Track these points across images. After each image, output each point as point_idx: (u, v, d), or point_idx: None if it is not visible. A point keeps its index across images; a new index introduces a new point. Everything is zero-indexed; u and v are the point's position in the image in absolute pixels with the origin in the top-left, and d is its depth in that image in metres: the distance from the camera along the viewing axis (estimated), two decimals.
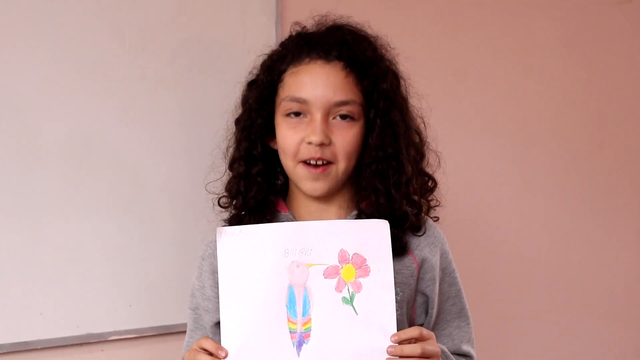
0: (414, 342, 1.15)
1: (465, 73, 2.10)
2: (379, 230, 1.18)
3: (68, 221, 1.56)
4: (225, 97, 1.73)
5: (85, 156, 1.58)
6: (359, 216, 1.27)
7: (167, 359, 1.65)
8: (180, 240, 1.69)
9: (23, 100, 1.51)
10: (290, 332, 1.17)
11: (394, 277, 1.19)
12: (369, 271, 1.17)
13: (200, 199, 1.70)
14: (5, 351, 1.49)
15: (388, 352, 1.14)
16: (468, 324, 1.36)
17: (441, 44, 2.07)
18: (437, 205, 1.36)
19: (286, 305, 1.17)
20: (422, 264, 1.30)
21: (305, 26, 1.35)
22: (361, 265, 1.18)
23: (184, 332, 1.43)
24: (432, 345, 1.16)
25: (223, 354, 1.17)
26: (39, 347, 1.53)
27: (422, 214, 1.32)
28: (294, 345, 1.17)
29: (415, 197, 1.30)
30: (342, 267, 1.18)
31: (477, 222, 2.07)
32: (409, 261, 1.29)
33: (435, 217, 1.37)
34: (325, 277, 1.18)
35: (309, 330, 1.17)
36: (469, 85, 2.11)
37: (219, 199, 1.36)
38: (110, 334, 1.61)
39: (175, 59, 1.69)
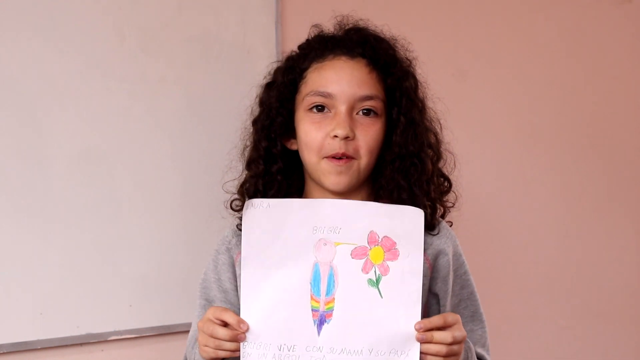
0: (442, 330, 1.14)
1: (465, 74, 2.10)
2: (412, 217, 1.16)
3: (68, 221, 1.56)
4: (225, 97, 1.74)
5: (85, 156, 1.58)
6: None
7: (167, 359, 1.65)
8: (181, 240, 1.69)
9: (23, 100, 1.51)
10: (312, 310, 1.15)
11: None
12: (398, 255, 1.15)
13: (201, 199, 1.70)
14: (5, 351, 1.49)
15: (417, 339, 1.13)
16: (482, 327, 1.35)
17: (440, 45, 2.07)
18: (452, 207, 1.36)
19: (310, 283, 1.16)
20: (434, 264, 1.29)
21: (322, 30, 1.36)
22: (390, 249, 1.15)
23: (184, 332, 1.42)
24: (460, 331, 1.15)
25: (245, 327, 1.15)
26: (39, 347, 1.53)
27: (437, 216, 1.32)
28: (314, 324, 1.15)
29: (433, 196, 1.30)
30: (370, 249, 1.15)
31: (476, 222, 2.07)
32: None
33: (449, 221, 1.37)
34: (352, 257, 1.15)
35: (331, 309, 1.15)
36: (469, 85, 2.11)
37: (232, 202, 1.35)
38: (110, 334, 1.61)
39: (175, 59, 1.69)
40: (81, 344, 1.59)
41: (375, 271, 1.15)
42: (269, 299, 1.16)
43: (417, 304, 1.14)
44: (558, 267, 2.24)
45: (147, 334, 1.66)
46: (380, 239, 1.16)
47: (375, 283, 1.15)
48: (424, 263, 1.28)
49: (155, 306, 1.67)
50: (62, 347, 1.56)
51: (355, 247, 1.16)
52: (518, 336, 2.18)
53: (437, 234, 1.30)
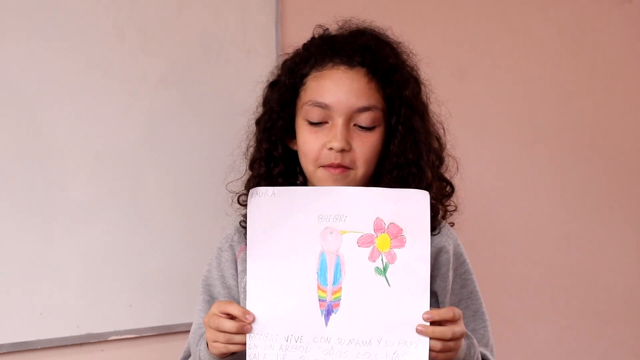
0: (445, 324, 1.13)
1: (465, 73, 2.10)
2: (418, 200, 1.14)
3: (68, 221, 1.56)
4: (225, 97, 1.74)
5: (85, 156, 1.58)
6: None
7: (167, 359, 1.65)
8: (180, 240, 1.69)
9: (23, 100, 1.51)
10: (319, 300, 1.14)
11: None
12: (405, 242, 1.13)
13: (201, 199, 1.70)
14: (5, 351, 1.49)
15: (417, 331, 1.11)
16: (484, 326, 1.35)
17: (440, 44, 2.07)
18: (454, 210, 1.36)
19: (317, 273, 1.14)
20: (434, 262, 1.29)
21: (327, 28, 1.36)
22: (397, 236, 1.14)
23: (184, 332, 1.43)
24: (460, 327, 1.14)
25: (251, 318, 1.14)
26: (39, 347, 1.53)
27: (439, 218, 1.32)
28: (322, 314, 1.14)
29: (433, 201, 1.29)
30: (377, 236, 1.14)
31: (476, 222, 2.07)
32: None
33: (451, 222, 1.37)
34: (359, 246, 1.14)
35: (338, 299, 1.14)
36: (468, 85, 2.11)
37: (239, 196, 1.35)
38: (110, 334, 1.61)
39: (175, 59, 1.69)
40: (81, 344, 1.59)
41: (382, 259, 1.14)
42: (275, 289, 1.15)
43: (425, 291, 1.13)
44: (558, 267, 2.24)
45: (147, 334, 1.66)
46: (386, 226, 1.14)
47: (383, 271, 1.13)
48: None
49: (155, 306, 1.67)
50: (62, 347, 1.56)
51: (362, 235, 1.15)
52: (518, 336, 2.18)
53: (438, 233, 1.31)
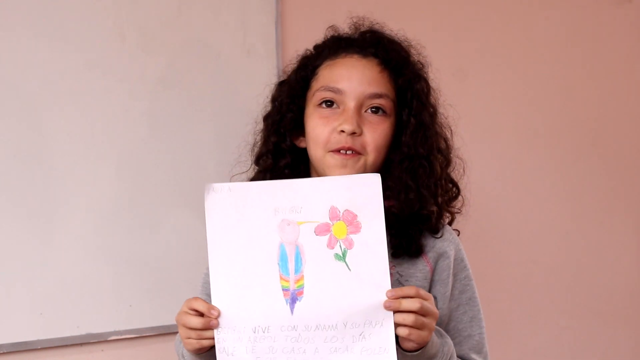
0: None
1: (465, 73, 2.10)
2: (370, 184, 1.15)
3: (68, 221, 1.56)
4: (224, 96, 1.74)
5: (85, 156, 1.58)
6: (387, 210, 1.22)
7: (167, 359, 1.65)
8: (181, 240, 1.69)
9: (23, 100, 1.51)
10: (282, 289, 1.15)
11: (409, 281, 1.19)
12: (360, 227, 1.15)
13: (201, 199, 1.70)
14: (5, 351, 1.49)
15: (385, 307, 1.11)
16: (480, 333, 1.34)
17: (440, 44, 2.07)
18: (458, 213, 1.36)
19: (278, 263, 1.16)
20: (435, 267, 1.29)
21: (337, 31, 1.37)
22: (352, 222, 1.15)
23: None
24: (430, 304, 1.13)
25: (215, 313, 1.15)
26: (39, 347, 1.53)
27: (443, 220, 1.32)
28: (287, 303, 1.15)
29: (435, 208, 1.29)
30: (333, 224, 1.15)
31: (476, 222, 2.07)
32: (422, 264, 1.28)
33: (456, 229, 1.36)
34: (316, 234, 1.16)
35: (301, 287, 1.15)
36: (469, 85, 2.11)
37: None
38: (110, 334, 1.61)
39: (175, 59, 1.69)
40: (81, 344, 1.59)
41: (340, 245, 1.15)
42: (239, 282, 1.16)
43: (385, 272, 1.13)
44: (558, 267, 2.24)
45: (147, 334, 1.66)
46: (341, 214, 1.15)
47: (342, 257, 1.15)
48: (424, 266, 1.28)
49: (155, 306, 1.67)
50: (62, 347, 1.56)
51: (318, 225, 1.16)
52: (518, 336, 2.18)
53: (441, 237, 1.30)
